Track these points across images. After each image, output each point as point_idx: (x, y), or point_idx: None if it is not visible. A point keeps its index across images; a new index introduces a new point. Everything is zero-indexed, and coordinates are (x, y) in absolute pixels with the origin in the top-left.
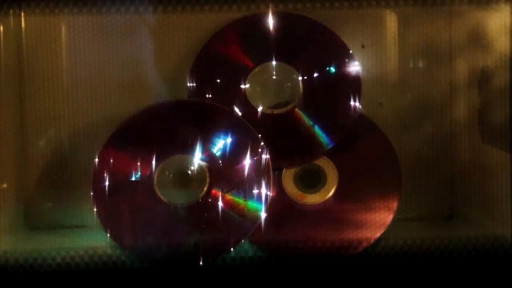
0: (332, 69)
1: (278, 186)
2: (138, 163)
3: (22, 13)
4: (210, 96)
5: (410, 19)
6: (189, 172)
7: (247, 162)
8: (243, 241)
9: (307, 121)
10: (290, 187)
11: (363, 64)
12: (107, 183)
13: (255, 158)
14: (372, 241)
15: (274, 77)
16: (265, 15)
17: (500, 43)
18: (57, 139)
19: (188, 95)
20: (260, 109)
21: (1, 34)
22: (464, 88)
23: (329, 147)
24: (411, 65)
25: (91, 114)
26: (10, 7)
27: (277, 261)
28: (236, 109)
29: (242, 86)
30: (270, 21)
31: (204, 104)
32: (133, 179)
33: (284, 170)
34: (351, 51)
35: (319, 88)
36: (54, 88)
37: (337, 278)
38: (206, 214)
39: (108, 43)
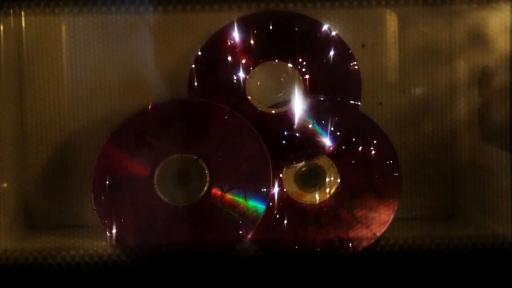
0: (332, 68)
1: (278, 185)
2: (138, 163)
3: (22, 13)
4: (210, 95)
5: (410, 19)
6: (189, 171)
7: (247, 161)
8: (243, 240)
9: (307, 120)
10: (290, 187)
11: (363, 64)
12: (107, 182)
13: (255, 158)
14: (373, 240)
15: (274, 76)
16: (265, 14)
17: (500, 43)
18: (57, 138)
19: (188, 95)
20: (260, 108)
21: (1, 33)
22: (464, 87)
23: (329, 146)
24: (411, 65)
25: (91, 113)
26: (10, 7)
27: (277, 260)
28: (236, 109)
29: (242, 86)
30: (270, 21)
31: (204, 104)
32: (133, 178)
33: (284, 169)
34: (351, 51)
35: (319, 88)
36: (54, 88)
37: (337, 278)
38: (206, 214)
39: (108, 43)
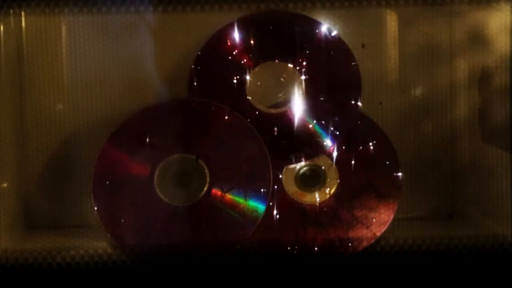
0: (332, 68)
1: (278, 185)
2: (138, 163)
3: (23, 13)
4: (210, 95)
5: (410, 19)
6: (189, 171)
7: (247, 161)
8: (243, 240)
9: (307, 120)
10: (290, 187)
11: (363, 64)
12: (107, 182)
13: (255, 158)
14: (373, 240)
15: (274, 76)
16: (265, 14)
17: (501, 43)
18: (57, 138)
19: (188, 95)
20: (260, 108)
21: (2, 33)
22: (464, 87)
23: (329, 146)
24: (411, 65)
25: (91, 114)
26: (10, 7)
27: (277, 260)
28: (236, 109)
29: (242, 86)
30: (270, 21)
31: (204, 104)
32: (133, 178)
33: (284, 169)
34: (351, 51)
35: (319, 88)
36: (54, 88)
37: (337, 278)
38: (206, 214)
39: (108, 43)
